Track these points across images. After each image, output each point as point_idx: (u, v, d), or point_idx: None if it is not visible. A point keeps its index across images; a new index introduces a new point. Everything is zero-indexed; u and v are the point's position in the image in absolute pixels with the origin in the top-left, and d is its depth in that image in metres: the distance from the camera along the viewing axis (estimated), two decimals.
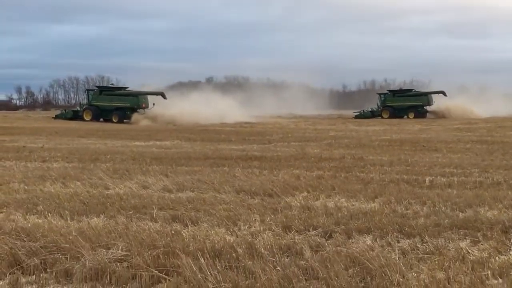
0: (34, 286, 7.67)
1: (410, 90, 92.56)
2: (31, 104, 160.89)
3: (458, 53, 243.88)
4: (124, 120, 72.13)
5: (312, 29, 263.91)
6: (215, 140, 34.78)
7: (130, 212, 11.65)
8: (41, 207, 12.24)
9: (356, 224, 10.49)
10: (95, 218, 11.20)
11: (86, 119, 73.59)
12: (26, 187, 15.15)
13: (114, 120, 72.22)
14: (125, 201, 12.84)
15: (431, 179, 16.65)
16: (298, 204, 12.63)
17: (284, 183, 15.33)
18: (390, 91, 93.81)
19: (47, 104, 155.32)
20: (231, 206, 12.26)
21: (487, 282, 7.12)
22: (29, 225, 10.27)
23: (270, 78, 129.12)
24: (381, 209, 12.09)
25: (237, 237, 9.77)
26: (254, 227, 10.56)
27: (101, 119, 74.08)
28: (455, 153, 25.16)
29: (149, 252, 8.39)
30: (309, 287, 7.10)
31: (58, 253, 8.58)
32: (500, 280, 7.39)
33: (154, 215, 11.41)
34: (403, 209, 12.18)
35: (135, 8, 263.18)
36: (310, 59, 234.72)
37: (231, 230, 10.33)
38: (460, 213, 11.73)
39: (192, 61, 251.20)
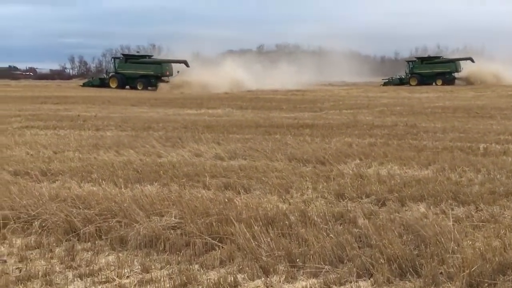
0: (89, 252, 7.77)
1: (438, 57, 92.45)
2: (84, 73, 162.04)
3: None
4: (149, 88, 73.25)
5: None
6: (266, 108, 34.76)
7: (183, 180, 11.71)
8: (95, 175, 12.38)
9: (409, 192, 10.41)
10: (149, 186, 11.30)
11: (112, 86, 75.09)
12: (80, 156, 15.33)
13: (139, 88, 73.58)
14: (178, 169, 12.91)
15: (485, 146, 16.44)
16: (351, 171, 12.58)
17: (336, 150, 15.27)
18: (418, 58, 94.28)
19: (99, 73, 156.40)
20: (283, 173, 12.26)
21: None
22: (84, 193, 10.39)
23: (321, 46, 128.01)
24: (434, 176, 11.98)
25: (289, 204, 9.77)
26: (307, 194, 10.56)
27: (127, 87, 75.34)
28: (510, 120, 24.81)
29: (202, 220, 8.43)
30: (363, 254, 7.07)
31: (112, 220, 8.66)
32: None
33: (207, 182, 11.46)
34: (457, 176, 12.05)
35: None
36: (362, 27, 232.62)
37: (283, 197, 10.34)
38: None
39: (243, 29, 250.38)
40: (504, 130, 20.62)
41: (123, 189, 10.93)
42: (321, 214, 8.85)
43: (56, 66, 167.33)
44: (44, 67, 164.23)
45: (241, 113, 31.34)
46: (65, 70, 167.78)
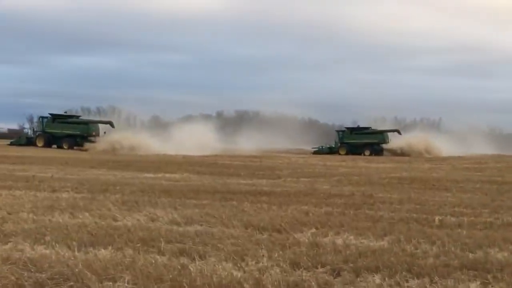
0: None
1: (367, 128, 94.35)
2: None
3: (469, 92, 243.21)
4: (75, 147, 75.91)
5: (323, 66, 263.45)
6: (224, 174, 34.75)
7: (138, 245, 11.59)
8: (49, 237, 12.20)
9: (364, 262, 10.40)
10: (103, 250, 11.15)
11: (39, 145, 77.92)
12: (34, 217, 15.12)
13: (65, 147, 76.29)
14: (133, 233, 12.78)
15: (440, 218, 16.55)
16: (307, 240, 12.56)
17: (293, 218, 15.27)
18: (347, 128, 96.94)
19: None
20: (239, 241, 12.20)
21: None
22: (37, 255, 10.24)
23: (281, 113, 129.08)
24: (390, 247, 12.00)
25: (244, 272, 9.70)
26: (262, 263, 10.49)
27: (54, 146, 77.88)
28: (465, 193, 25.05)
29: (156, 286, 8.34)
30: None
31: (64, 284, 8.53)
32: None
33: (162, 248, 11.35)
34: (412, 248, 12.09)
35: (147, 41, 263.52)
36: (322, 95, 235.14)
37: (238, 265, 10.26)
38: (470, 253, 11.62)
39: (203, 95, 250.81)
40: (459, 202, 20.80)
41: (76, 253, 10.78)
42: (275, 283, 8.79)
43: (14, 126, 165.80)
44: (2, 126, 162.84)
45: (199, 178, 31.28)
46: (24, 130, 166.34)
